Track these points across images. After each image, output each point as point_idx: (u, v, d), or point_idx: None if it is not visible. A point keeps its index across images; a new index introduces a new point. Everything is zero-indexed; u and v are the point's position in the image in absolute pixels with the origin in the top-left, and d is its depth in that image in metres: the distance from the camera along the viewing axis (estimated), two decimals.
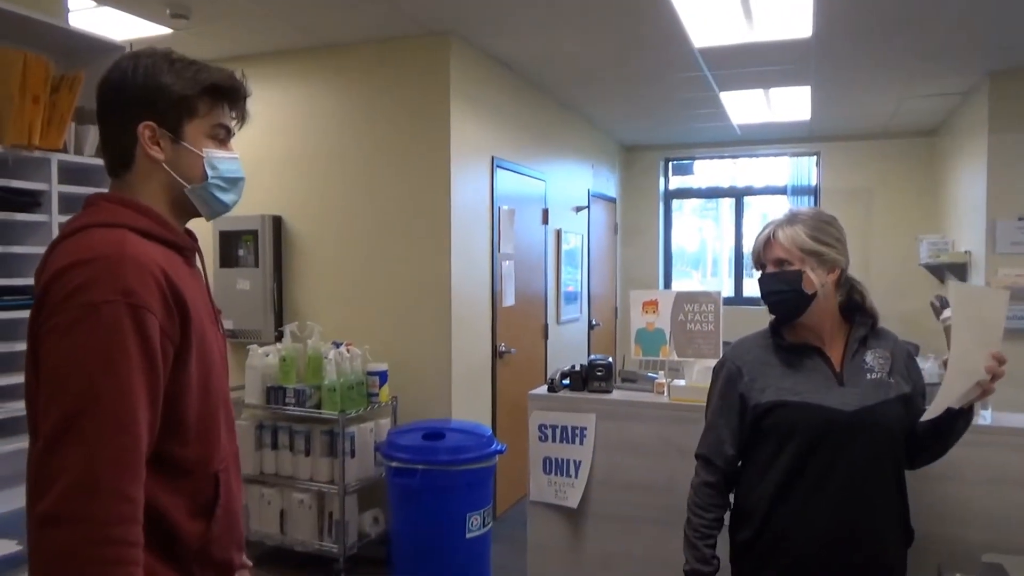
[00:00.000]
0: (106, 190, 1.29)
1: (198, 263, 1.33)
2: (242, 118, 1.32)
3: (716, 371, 1.92)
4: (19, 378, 2.26)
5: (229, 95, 1.29)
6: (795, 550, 1.72)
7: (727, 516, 1.88)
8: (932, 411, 1.61)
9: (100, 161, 2.56)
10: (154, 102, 1.21)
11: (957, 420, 1.69)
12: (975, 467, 2.18)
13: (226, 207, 1.32)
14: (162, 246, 1.20)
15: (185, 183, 1.25)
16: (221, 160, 1.27)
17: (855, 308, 1.83)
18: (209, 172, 1.26)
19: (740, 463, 1.85)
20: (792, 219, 1.78)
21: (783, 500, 1.73)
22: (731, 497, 1.89)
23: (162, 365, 1.11)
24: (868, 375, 1.75)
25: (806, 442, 1.70)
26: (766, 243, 1.79)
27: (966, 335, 1.58)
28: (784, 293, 1.76)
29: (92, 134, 2.52)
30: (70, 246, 1.13)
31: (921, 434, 1.75)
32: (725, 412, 1.84)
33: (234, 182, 1.31)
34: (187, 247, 1.28)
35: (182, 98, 1.23)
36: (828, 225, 1.79)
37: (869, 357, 1.77)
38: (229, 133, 1.31)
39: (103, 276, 1.08)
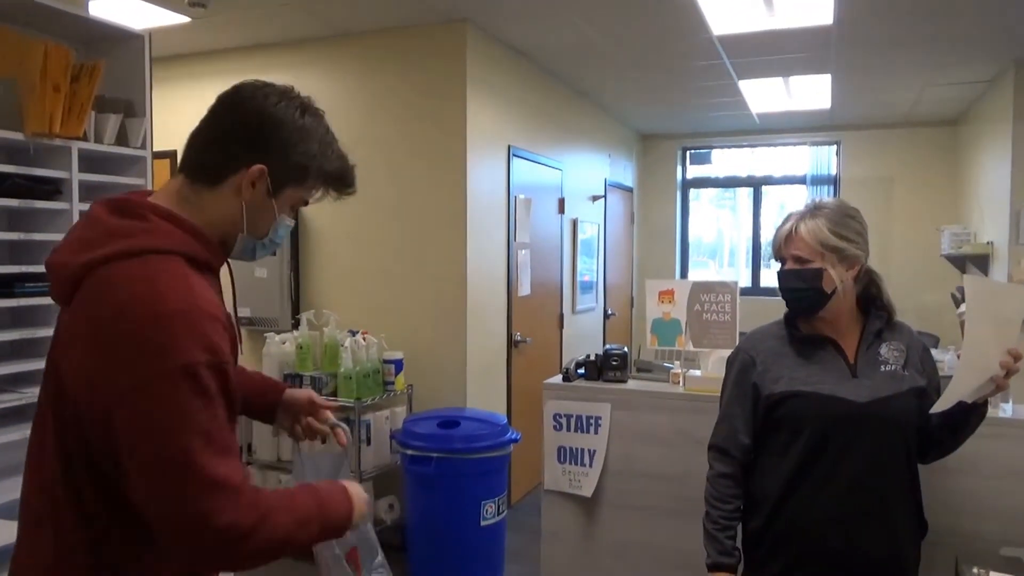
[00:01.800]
0: (142, 182, 1.27)
1: (224, 275, 1.31)
2: (322, 199, 1.32)
3: (731, 361, 1.92)
4: (37, 364, 2.30)
5: (337, 184, 1.29)
6: (805, 539, 1.73)
7: None
8: (941, 403, 1.60)
9: (120, 149, 2.62)
10: (283, 156, 1.19)
11: (970, 415, 1.67)
12: (993, 460, 2.16)
13: (254, 259, 1.31)
14: (201, 270, 1.17)
15: (248, 231, 1.22)
16: (285, 228, 1.28)
17: (871, 300, 1.82)
18: (271, 233, 1.26)
19: (750, 435, 1.85)
20: (815, 211, 1.76)
21: (794, 489, 1.73)
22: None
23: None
24: (882, 367, 1.74)
25: (818, 432, 1.71)
26: (787, 237, 1.78)
27: (981, 329, 1.56)
28: (803, 291, 1.75)
29: (112, 122, 2.54)
30: (136, 285, 1.07)
31: (934, 428, 1.74)
32: (739, 402, 1.84)
33: (277, 246, 1.32)
34: (219, 267, 1.26)
35: (304, 168, 1.22)
36: (851, 219, 1.76)
37: (884, 350, 1.76)
38: (306, 204, 1.31)
39: (186, 334, 1.05)
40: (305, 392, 1.62)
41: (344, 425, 1.63)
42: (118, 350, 1.04)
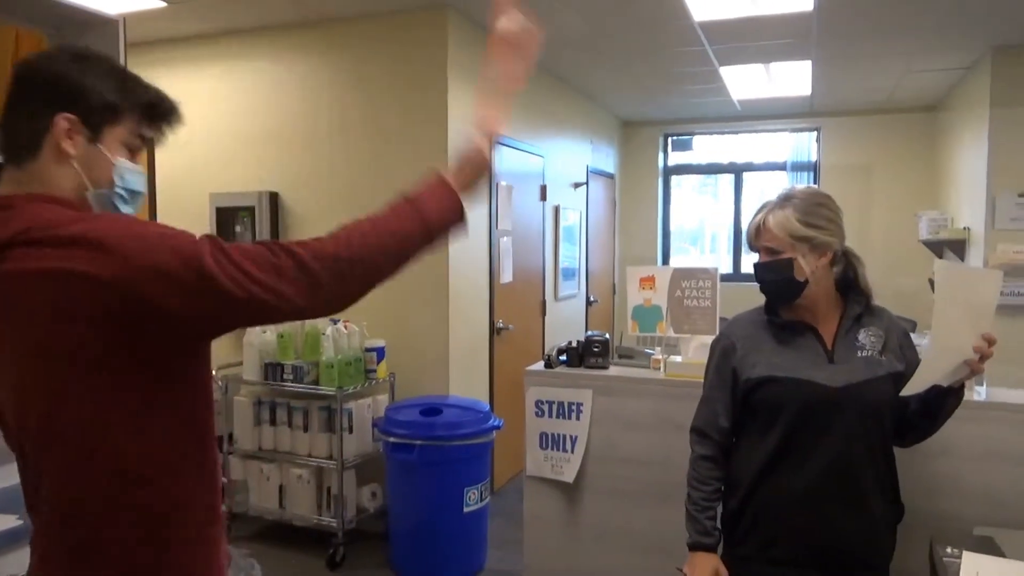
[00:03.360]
0: None
1: None
2: (161, 138, 1.30)
3: (713, 347, 1.95)
4: None
5: (160, 115, 1.26)
6: (780, 519, 1.76)
7: None
8: (911, 387, 1.62)
9: None
10: (84, 99, 1.17)
11: (947, 398, 1.70)
12: (967, 442, 2.19)
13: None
14: None
15: (90, 185, 1.21)
16: (130, 172, 1.24)
17: (850, 285, 1.84)
18: (116, 180, 1.23)
19: (731, 419, 1.88)
20: (784, 201, 1.78)
21: (770, 471, 1.76)
22: None
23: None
24: (859, 352, 1.77)
25: (794, 416, 1.73)
26: (757, 229, 1.81)
27: (951, 313, 1.58)
28: (776, 282, 1.79)
29: None
30: (58, 235, 1.09)
31: (912, 412, 1.77)
32: (719, 386, 1.88)
33: (136, 195, 1.28)
34: None
35: (112, 104, 1.20)
36: (821, 207, 1.77)
37: (862, 335, 1.79)
38: (144, 146, 1.28)
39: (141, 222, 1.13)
40: None
41: None
42: (108, 267, 1.06)
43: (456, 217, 1.32)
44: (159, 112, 1.26)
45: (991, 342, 1.59)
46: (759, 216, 1.81)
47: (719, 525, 1.88)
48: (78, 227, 1.10)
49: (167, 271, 1.08)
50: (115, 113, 1.21)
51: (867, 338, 1.78)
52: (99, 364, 1.10)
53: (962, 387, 1.69)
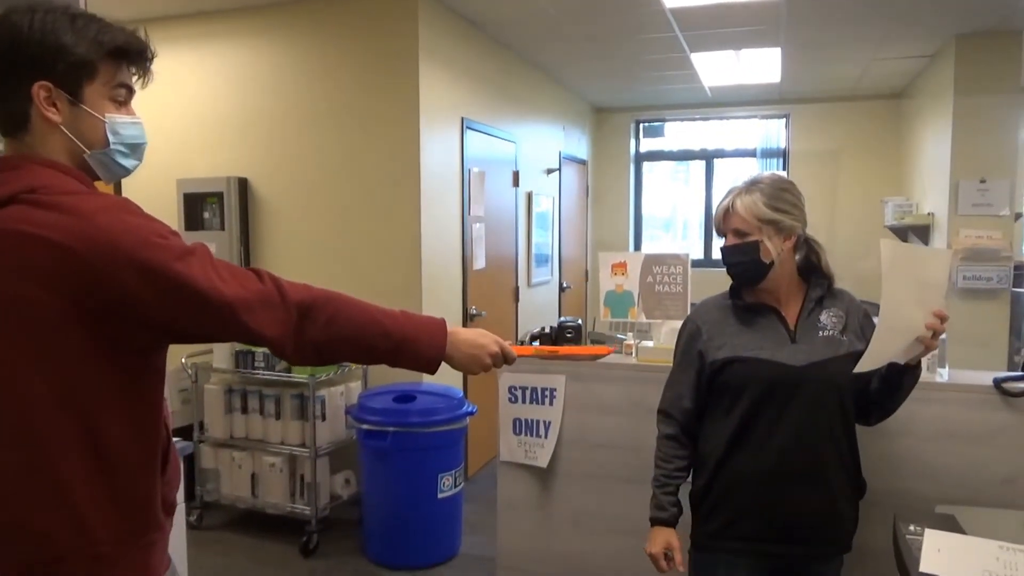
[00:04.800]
0: None
1: None
2: (145, 78, 1.26)
3: (680, 331, 2.00)
4: None
5: (133, 57, 1.22)
6: (744, 496, 1.81)
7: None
8: (863, 364, 1.65)
9: None
10: (52, 62, 1.14)
11: (904, 376, 1.75)
12: (930, 423, 2.25)
13: (127, 172, 1.27)
14: None
15: (85, 148, 1.19)
16: (123, 125, 1.22)
17: (812, 269, 1.89)
18: (111, 138, 1.20)
19: (699, 417, 1.92)
20: (751, 187, 1.83)
21: (735, 449, 1.81)
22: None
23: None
24: (820, 332, 1.82)
25: (757, 395, 1.78)
26: (725, 213, 1.86)
27: (899, 292, 1.61)
28: (743, 264, 1.83)
29: None
30: (58, 202, 1.09)
31: (872, 391, 1.82)
32: (684, 369, 1.93)
33: (136, 147, 1.25)
34: None
35: (83, 60, 1.16)
36: (786, 192, 1.84)
37: (824, 316, 1.84)
38: (131, 94, 1.25)
39: (140, 212, 1.16)
40: None
41: None
42: (93, 249, 1.07)
43: (427, 358, 1.33)
44: (132, 54, 1.22)
45: (943, 319, 1.64)
46: (727, 200, 1.86)
47: (688, 503, 1.93)
48: (78, 201, 1.10)
49: (151, 267, 1.08)
50: (89, 68, 1.17)
51: (828, 319, 1.84)
52: (65, 337, 1.09)
53: (919, 364, 1.74)
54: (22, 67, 1.14)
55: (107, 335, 1.11)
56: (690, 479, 1.95)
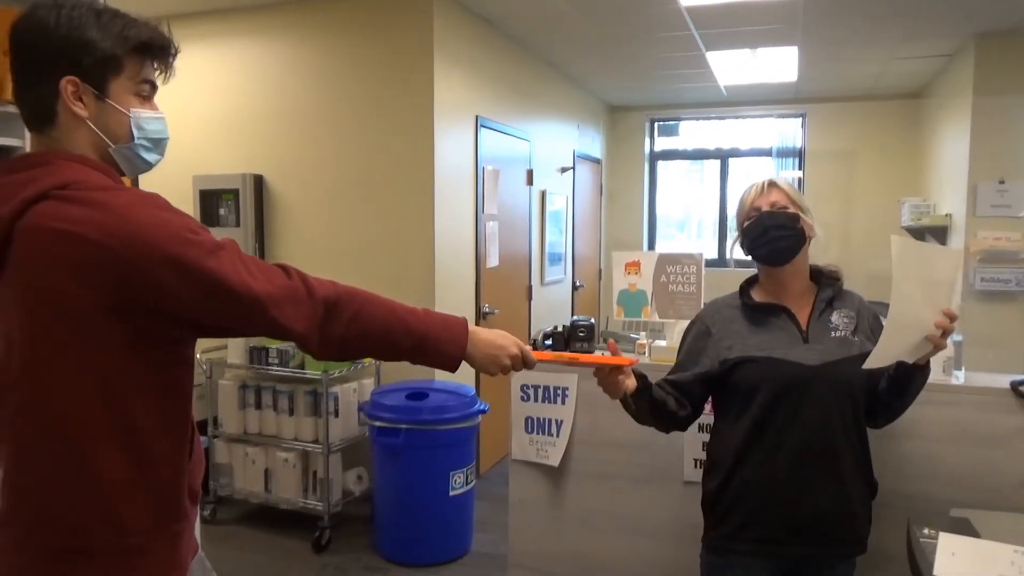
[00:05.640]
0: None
1: None
2: (167, 74, 1.28)
3: (687, 330, 1.98)
4: None
5: (157, 52, 1.24)
6: (758, 497, 1.79)
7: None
8: (872, 361, 1.63)
9: None
10: (79, 57, 1.15)
11: (914, 375, 1.73)
12: (944, 425, 2.23)
13: (149, 167, 1.29)
14: None
15: (110, 142, 1.21)
16: (148, 120, 1.24)
17: (819, 272, 1.91)
18: (136, 132, 1.22)
19: (690, 403, 1.88)
20: (778, 179, 1.87)
21: (748, 451, 1.79)
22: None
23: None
24: (832, 333, 1.81)
25: (771, 395, 1.76)
26: (763, 189, 1.85)
27: (909, 290, 1.60)
28: (785, 230, 1.79)
29: None
30: (88, 198, 1.10)
31: (882, 391, 1.80)
32: (688, 366, 1.90)
33: (159, 142, 1.27)
34: None
35: (109, 55, 1.17)
36: (802, 196, 1.89)
37: (835, 317, 1.84)
38: (154, 89, 1.27)
39: (171, 208, 1.17)
40: None
41: None
42: (127, 244, 1.08)
43: (448, 356, 1.35)
44: (156, 49, 1.24)
45: (952, 318, 1.62)
46: (761, 181, 1.86)
47: (701, 508, 1.92)
48: (109, 196, 1.12)
49: (184, 263, 1.10)
50: (115, 63, 1.19)
51: (840, 319, 1.83)
52: (98, 330, 1.11)
53: (928, 364, 1.72)
54: (49, 62, 1.16)
55: (139, 328, 1.13)
56: (700, 479, 1.94)
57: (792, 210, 1.81)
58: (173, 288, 1.10)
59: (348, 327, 1.23)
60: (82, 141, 1.19)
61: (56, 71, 1.15)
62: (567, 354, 1.77)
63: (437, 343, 1.32)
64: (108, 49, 1.17)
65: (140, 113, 1.23)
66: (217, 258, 1.13)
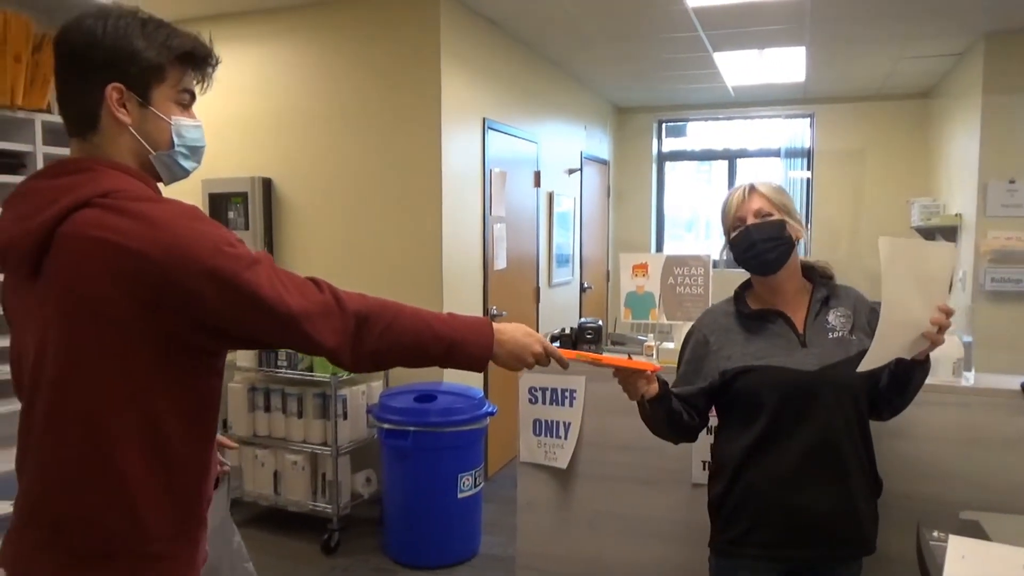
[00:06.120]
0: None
1: None
2: (205, 84, 1.31)
3: (686, 340, 1.97)
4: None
5: (198, 62, 1.27)
6: (765, 502, 1.78)
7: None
8: (867, 362, 1.62)
9: None
10: (125, 66, 1.18)
11: (913, 371, 1.71)
12: (954, 427, 2.21)
13: (187, 174, 1.31)
14: None
15: (151, 149, 1.23)
16: (188, 128, 1.27)
17: (812, 269, 1.90)
18: (176, 139, 1.25)
19: (697, 415, 1.87)
20: (758, 181, 1.86)
21: (753, 457, 1.79)
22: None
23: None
24: (830, 334, 1.80)
25: (773, 404, 1.76)
26: (744, 197, 1.84)
27: (900, 288, 1.59)
28: (774, 240, 1.79)
29: None
30: (125, 208, 1.12)
31: (883, 387, 1.79)
32: (690, 379, 1.89)
33: (196, 150, 1.30)
34: None
35: (154, 64, 1.20)
36: (786, 194, 1.87)
37: (831, 317, 1.83)
38: (193, 98, 1.29)
39: (207, 219, 1.19)
40: None
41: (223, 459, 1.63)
42: (167, 256, 1.10)
43: (477, 358, 1.37)
44: (198, 59, 1.27)
45: (948, 313, 1.61)
46: (740, 189, 1.85)
47: (708, 513, 1.91)
48: (151, 208, 1.13)
49: (223, 276, 1.11)
50: (159, 72, 1.22)
51: (836, 319, 1.82)
52: (134, 337, 1.12)
53: (928, 359, 1.71)
54: (96, 69, 1.18)
55: (173, 338, 1.14)
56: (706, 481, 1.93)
57: (776, 216, 1.80)
58: (210, 300, 1.12)
59: (380, 340, 1.25)
60: (123, 147, 1.21)
61: (102, 78, 1.18)
62: (591, 354, 1.76)
63: (465, 347, 1.34)
64: (153, 58, 1.20)
65: (181, 121, 1.25)
66: (254, 272, 1.14)
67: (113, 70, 1.18)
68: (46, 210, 1.13)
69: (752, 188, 1.83)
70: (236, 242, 1.17)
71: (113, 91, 1.18)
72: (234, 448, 1.74)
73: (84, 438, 1.14)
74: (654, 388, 1.76)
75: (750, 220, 1.81)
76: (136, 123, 1.21)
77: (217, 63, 1.29)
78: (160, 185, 1.28)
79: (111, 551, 1.15)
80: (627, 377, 1.73)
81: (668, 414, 1.82)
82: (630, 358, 1.79)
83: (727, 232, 1.89)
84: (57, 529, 1.15)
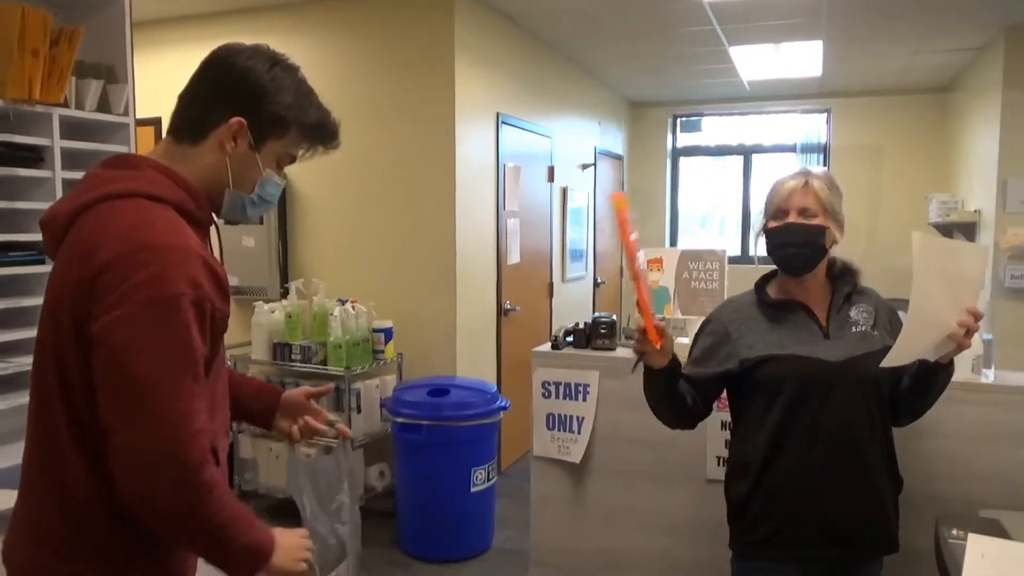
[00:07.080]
0: (125, 150, 1.29)
1: (212, 235, 1.33)
2: (311, 156, 1.34)
3: (700, 330, 1.93)
4: (24, 334, 2.28)
5: (318, 138, 1.30)
6: (789, 501, 1.75)
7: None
8: (890, 359, 1.60)
9: (103, 116, 2.58)
10: (260, 108, 1.21)
11: (936, 374, 1.68)
12: (974, 424, 2.19)
13: (246, 220, 1.34)
14: (191, 223, 1.20)
15: (231, 184, 1.25)
16: (272, 184, 1.30)
17: (837, 265, 1.86)
18: (257, 189, 1.28)
19: (702, 400, 1.84)
20: (817, 175, 1.79)
21: (776, 452, 1.75)
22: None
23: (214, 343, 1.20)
24: (853, 328, 1.78)
25: (795, 393, 1.73)
26: (796, 190, 1.76)
27: (930, 286, 1.56)
28: (807, 246, 1.74)
29: (93, 88, 2.49)
30: (126, 219, 1.11)
31: (904, 388, 1.76)
32: (705, 363, 1.85)
33: (268, 205, 1.32)
34: (208, 223, 1.29)
35: (282, 119, 1.24)
36: (838, 190, 1.81)
37: (854, 312, 1.81)
38: (292, 162, 1.33)
39: (175, 265, 1.09)
40: (301, 390, 1.67)
41: (341, 422, 1.66)
42: (111, 279, 1.07)
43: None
44: (320, 134, 1.30)
45: (977, 316, 1.58)
46: (796, 179, 1.77)
47: (727, 519, 1.88)
48: (144, 224, 1.11)
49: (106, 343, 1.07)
50: (282, 128, 1.25)
51: (859, 314, 1.80)
52: (65, 337, 1.13)
53: (951, 363, 1.68)
54: (237, 98, 1.21)
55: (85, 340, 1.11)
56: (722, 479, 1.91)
57: (819, 220, 1.74)
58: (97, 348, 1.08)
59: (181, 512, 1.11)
60: (207, 169, 1.23)
61: (235, 107, 1.21)
62: (648, 313, 1.66)
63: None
64: (288, 118, 1.24)
65: (272, 177, 1.29)
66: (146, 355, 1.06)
67: (249, 107, 1.21)
68: (82, 196, 1.16)
69: (807, 183, 1.76)
70: (190, 303, 1.09)
71: (236, 123, 1.21)
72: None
73: (40, 438, 1.17)
74: (664, 359, 1.71)
75: (792, 217, 1.76)
76: (235, 158, 1.23)
77: (336, 147, 1.33)
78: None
79: (80, 555, 1.16)
80: (646, 338, 1.66)
81: (672, 392, 1.78)
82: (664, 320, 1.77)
83: (767, 215, 1.82)
84: (32, 528, 1.18)
